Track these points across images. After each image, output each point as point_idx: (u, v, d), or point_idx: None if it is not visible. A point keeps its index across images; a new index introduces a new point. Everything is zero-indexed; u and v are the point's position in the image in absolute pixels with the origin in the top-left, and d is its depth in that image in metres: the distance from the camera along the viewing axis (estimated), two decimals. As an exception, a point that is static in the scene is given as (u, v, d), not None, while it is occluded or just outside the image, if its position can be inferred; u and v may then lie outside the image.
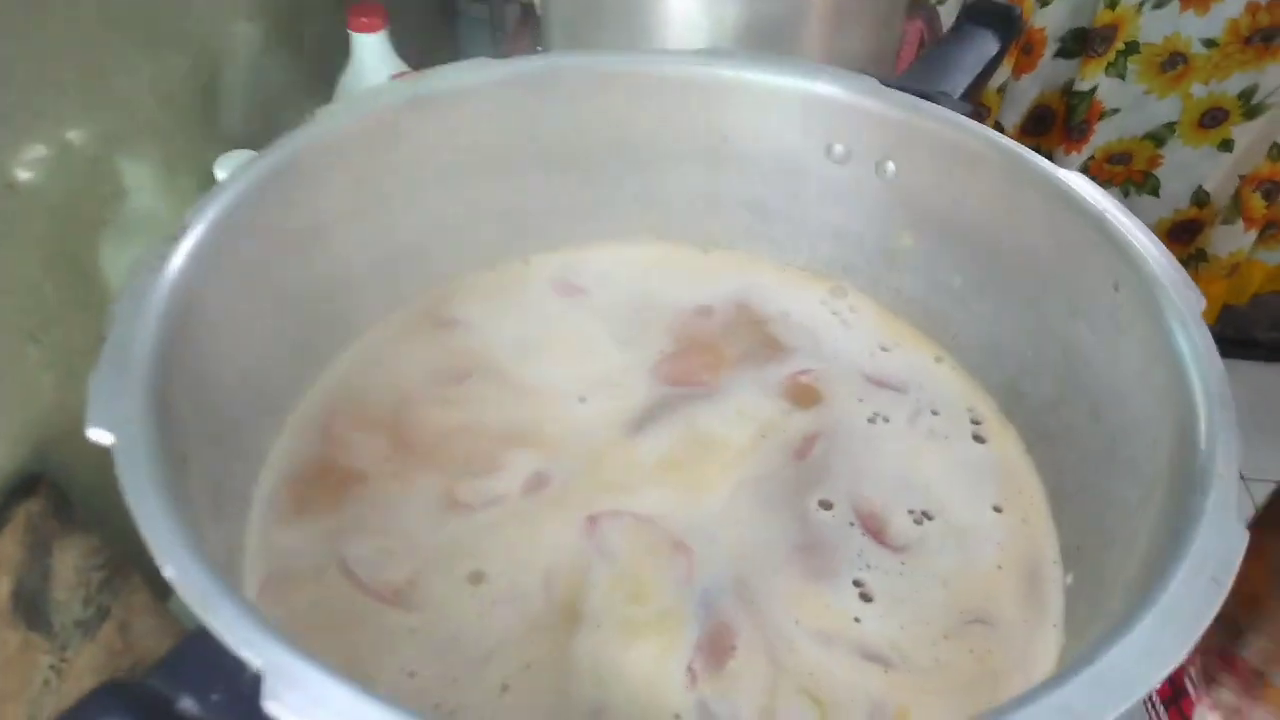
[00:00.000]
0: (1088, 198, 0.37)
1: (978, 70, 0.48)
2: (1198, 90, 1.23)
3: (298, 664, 0.22)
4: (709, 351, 0.47)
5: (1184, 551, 0.26)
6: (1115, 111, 1.26)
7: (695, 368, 0.47)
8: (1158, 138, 1.29)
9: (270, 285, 0.38)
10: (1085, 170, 1.29)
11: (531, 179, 0.47)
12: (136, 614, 0.54)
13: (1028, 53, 1.23)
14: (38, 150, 0.49)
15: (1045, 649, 0.36)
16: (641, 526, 0.40)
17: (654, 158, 0.47)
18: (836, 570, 0.38)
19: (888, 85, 0.44)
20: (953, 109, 0.43)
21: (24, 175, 0.48)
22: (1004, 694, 0.34)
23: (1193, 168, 1.32)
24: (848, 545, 0.39)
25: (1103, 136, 1.28)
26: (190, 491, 0.30)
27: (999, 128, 1.29)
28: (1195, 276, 1.41)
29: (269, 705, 0.21)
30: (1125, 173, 1.33)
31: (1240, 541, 0.26)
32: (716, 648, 0.36)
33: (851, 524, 0.40)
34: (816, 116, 0.45)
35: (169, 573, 0.24)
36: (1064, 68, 1.24)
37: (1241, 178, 1.31)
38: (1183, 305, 0.33)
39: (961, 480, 0.41)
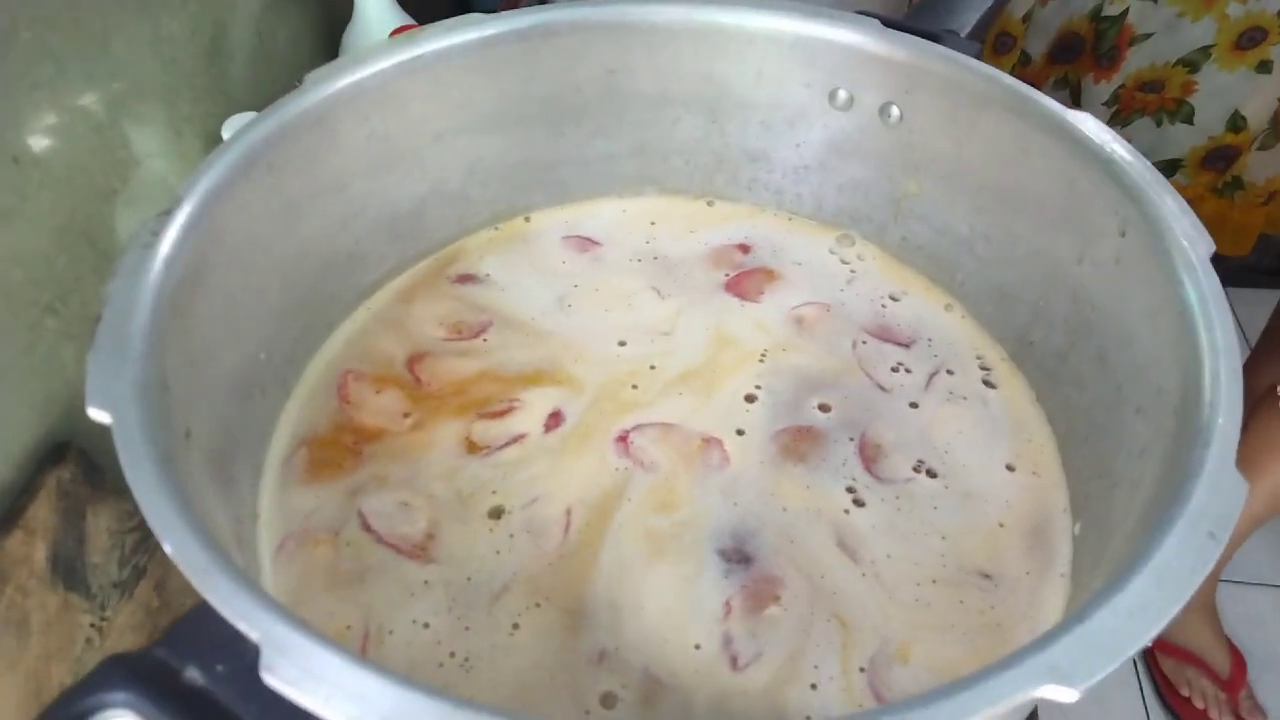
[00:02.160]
0: (1095, 139, 0.36)
1: (987, 6, 0.46)
2: (1234, 10, 1.17)
3: (293, 636, 0.23)
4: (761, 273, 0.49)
5: (1182, 505, 0.26)
6: (1147, 36, 1.21)
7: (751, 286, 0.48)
8: (1191, 63, 1.24)
9: (268, 254, 0.38)
10: (1116, 99, 1.25)
11: (528, 136, 0.46)
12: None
13: (1054, -23, 1.18)
14: (42, 122, 0.49)
15: (1052, 599, 0.36)
16: (669, 431, 0.41)
17: (652, 110, 0.46)
18: (819, 463, 0.39)
19: (892, 26, 0.42)
20: (959, 49, 0.41)
21: (30, 148, 0.48)
22: (1009, 643, 0.35)
23: (1229, 92, 1.27)
24: (837, 450, 0.40)
25: (1134, 63, 1.24)
26: (194, 465, 0.30)
27: (1025, 57, 1.25)
28: (1230, 205, 1.38)
29: (266, 677, 0.22)
30: (1158, 101, 1.28)
31: (1239, 496, 0.26)
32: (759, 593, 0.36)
33: (851, 439, 0.41)
34: (817, 62, 0.44)
35: (168, 549, 0.24)
36: (1093, -9, 1.19)
37: (1280, 100, 1.26)
38: (1191, 251, 0.32)
39: (977, 440, 0.41)
